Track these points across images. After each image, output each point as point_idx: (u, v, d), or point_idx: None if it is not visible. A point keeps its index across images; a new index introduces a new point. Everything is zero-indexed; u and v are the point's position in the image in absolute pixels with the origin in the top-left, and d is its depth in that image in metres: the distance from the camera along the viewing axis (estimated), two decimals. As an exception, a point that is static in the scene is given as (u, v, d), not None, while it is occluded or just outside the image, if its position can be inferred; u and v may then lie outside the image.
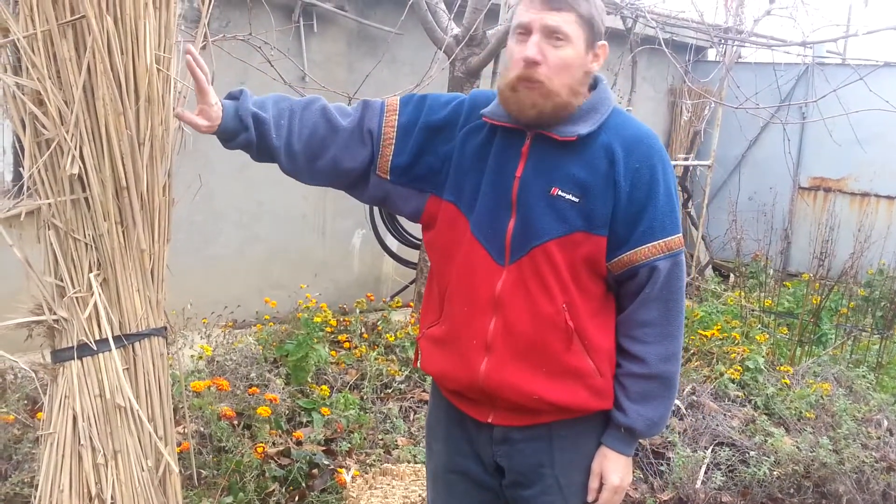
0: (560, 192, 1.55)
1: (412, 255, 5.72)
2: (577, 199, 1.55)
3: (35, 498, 1.59)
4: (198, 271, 4.85)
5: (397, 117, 1.68)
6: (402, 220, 5.93)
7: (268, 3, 4.57)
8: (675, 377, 1.63)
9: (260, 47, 4.10)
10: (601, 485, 1.64)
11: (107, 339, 1.62)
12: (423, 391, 3.96)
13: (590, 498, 1.65)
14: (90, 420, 1.58)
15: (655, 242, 1.57)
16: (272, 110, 1.67)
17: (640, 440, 1.92)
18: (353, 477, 2.44)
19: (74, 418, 1.58)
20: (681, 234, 1.62)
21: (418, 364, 1.78)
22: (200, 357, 3.51)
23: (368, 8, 5.73)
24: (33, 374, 3.15)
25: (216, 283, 4.94)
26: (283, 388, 3.49)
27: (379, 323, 4.67)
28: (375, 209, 5.85)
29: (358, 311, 4.68)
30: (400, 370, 4.01)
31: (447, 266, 1.65)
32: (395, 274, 6.09)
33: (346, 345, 4.28)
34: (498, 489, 1.72)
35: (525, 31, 1.52)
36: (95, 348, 1.62)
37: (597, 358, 1.60)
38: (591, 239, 1.56)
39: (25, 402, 3.09)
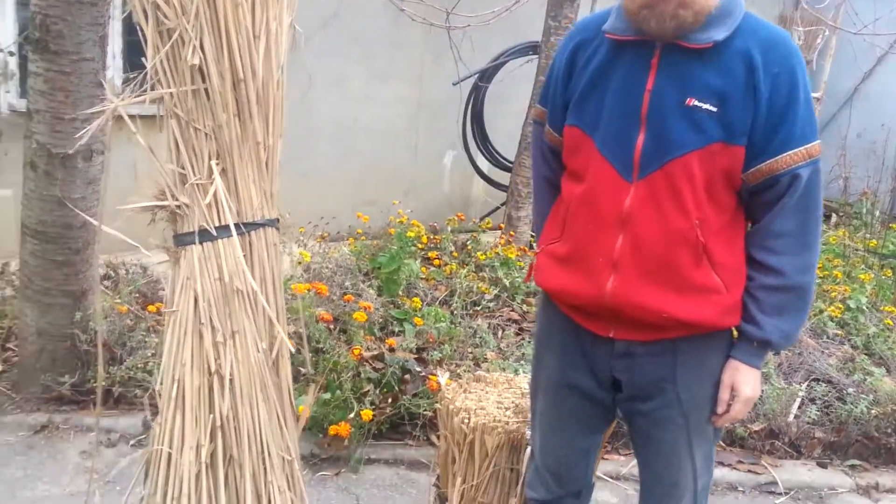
0: (696, 103, 1.49)
1: (503, 177, 5.68)
2: (715, 109, 1.49)
3: (158, 371, 1.68)
4: (295, 183, 4.95)
5: (549, 124, 1.75)
6: (495, 142, 5.88)
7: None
8: (811, 288, 1.58)
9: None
10: (731, 397, 1.62)
11: (226, 226, 1.67)
12: (512, 310, 3.98)
13: (720, 409, 1.63)
14: (210, 301, 1.65)
15: (797, 150, 1.51)
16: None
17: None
18: (446, 382, 2.49)
19: (196, 299, 1.64)
20: (820, 141, 1.54)
21: (531, 280, 1.78)
22: (299, 262, 3.62)
23: (468, -79, 5.56)
24: (142, 271, 3.31)
25: (312, 196, 5.03)
26: (376, 299, 3.57)
27: (469, 243, 4.69)
28: (468, 129, 5.80)
29: (449, 229, 4.70)
30: (489, 288, 4.03)
31: (573, 186, 1.64)
32: (485, 195, 6.08)
33: (437, 262, 4.33)
34: (609, 404, 1.73)
35: None
36: (215, 234, 1.67)
37: (724, 274, 1.56)
38: (729, 149, 1.51)
39: (136, 294, 3.26)
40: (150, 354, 2.79)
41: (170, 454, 1.54)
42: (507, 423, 2.18)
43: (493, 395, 2.37)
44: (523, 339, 3.64)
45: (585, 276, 1.60)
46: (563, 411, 1.78)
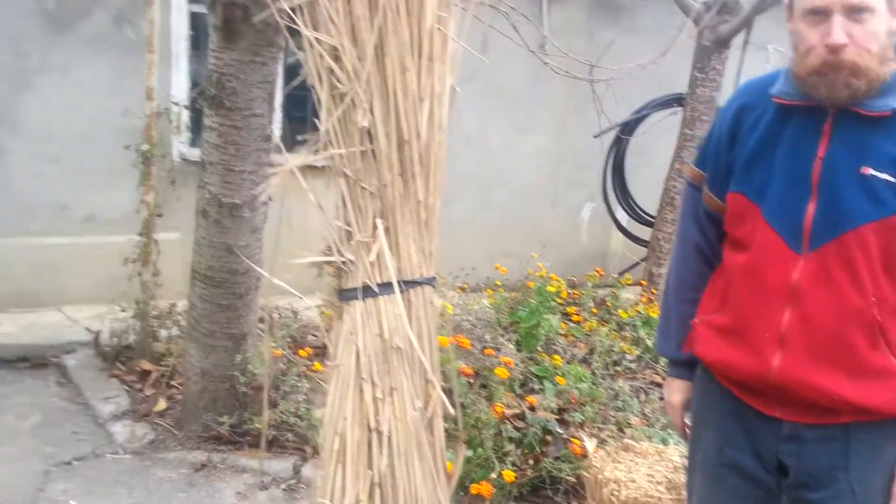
0: (873, 172, 1.42)
1: (643, 231, 5.54)
2: (894, 179, 1.41)
3: (310, 416, 1.72)
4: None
5: (708, 187, 1.67)
6: (635, 195, 5.76)
7: (511, -30, 4.58)
8: None
9: (507, 13, 4.13)
10: None
11: (388, 283, 1.71)
12: (655, 373, 3.83)
13: None
14: (370, 357, 1.68)
15: None
16: (676, 323, 1.76)
17: None
18: (593, 449, 2.41)
19: (357, 354, 1.68)
20: None
21: (688, 350, 1.72)
22: (441, 315, 3.65)
23: (613, -25, 5.58)
24: (293, 315, 3.44)
25: (452, 247, 5.09)
26: (515, 354, 3.53)
27: (608, 299, 4.58)
28: (609, 182, 5.73)
29: (590, 284, 4.62)
30: (631, 348, 3.91)
31: (735, 255, 1.58)
32: (624, 250, 5.95)
33: (576, 318, 4.25)
34: (774, 487, 1.60)
35: (820, 13, 1.41)
36: (377, 291, 1.71)
37: None
38: None
39: (288, 339, 3.39)
40: (301, 399, 2.87)
41: (331, 508, 1.57)
42: (660, 499, 2.08)
43: (643, 467, 2.28)
44: (668, 403, 3.48)
45: (749, 351, 1.52)
46: (723, 492, 1.66)
